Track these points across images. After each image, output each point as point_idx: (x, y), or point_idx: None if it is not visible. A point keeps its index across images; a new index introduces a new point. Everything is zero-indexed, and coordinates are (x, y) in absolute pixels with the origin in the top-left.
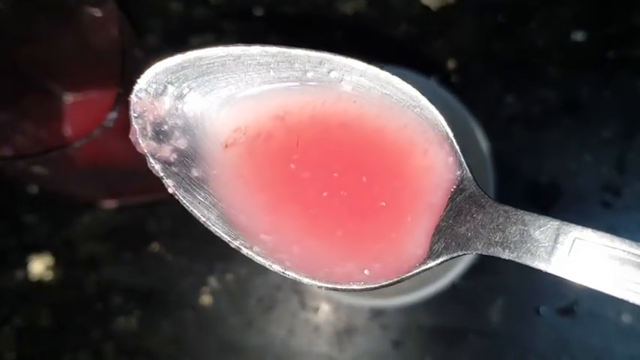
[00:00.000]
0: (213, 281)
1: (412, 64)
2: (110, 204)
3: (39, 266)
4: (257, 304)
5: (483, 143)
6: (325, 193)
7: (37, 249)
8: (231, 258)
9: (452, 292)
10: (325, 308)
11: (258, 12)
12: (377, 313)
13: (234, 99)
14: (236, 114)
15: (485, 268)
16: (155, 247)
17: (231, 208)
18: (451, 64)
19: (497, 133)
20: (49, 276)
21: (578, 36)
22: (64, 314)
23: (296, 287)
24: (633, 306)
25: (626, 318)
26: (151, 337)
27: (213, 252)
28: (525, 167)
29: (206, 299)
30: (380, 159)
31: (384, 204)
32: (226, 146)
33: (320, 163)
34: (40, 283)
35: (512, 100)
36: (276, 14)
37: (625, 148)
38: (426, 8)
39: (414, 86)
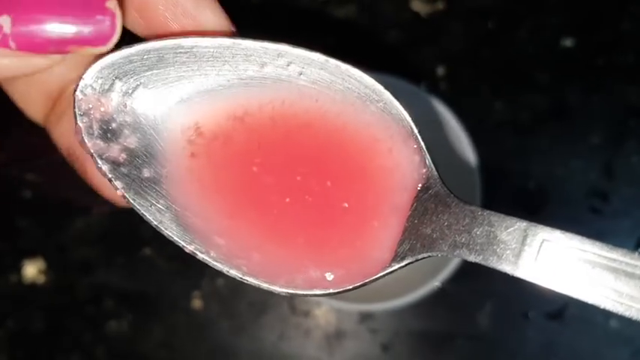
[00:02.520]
0: (204, 285)
1: (401, 70)
2: (102, 209)
3: (32, 270)
4: (248, 308)
5: (471, 149)
6: (288, 199)
7: (30, 253)
8: None
9: (441, 296)
10: (315, 312)
11: (247, 19)
12: (366, 317)
13: (187, 95)
14: (191, 112)
15: (474, 272)
16: (147, 251)
17: (185, 211)
18: (440, 71)
19: (485, 139)
20: (41, 280)
21: (567, 42)
22: (57, 318)
23: None
24: None
25: (614, 323)
26: (142, 341)
27: None
28: (513, 173)
29: (197, 303)
30: (344, 160)
31: (348, 208)
32: (182, 147)
33: (283, 166)
34: (32, 287)
35: (501, 106)
36: (265, 20)
37: (613, 154)
38: (416, 15)
39: (377, 80)
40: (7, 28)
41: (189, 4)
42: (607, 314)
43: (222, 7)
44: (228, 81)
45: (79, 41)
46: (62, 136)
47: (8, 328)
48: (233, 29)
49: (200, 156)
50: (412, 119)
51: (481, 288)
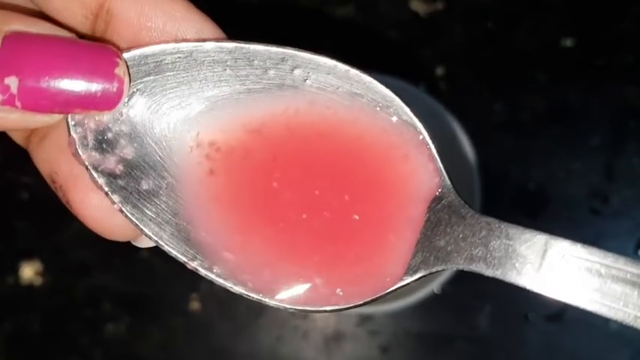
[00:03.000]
0: (202, 287)
1: (400, 70)
2: None
3: (29, 272)
4: (246, 310)
5: (471, 151)
6: (305, 215)
7: (27, 255)
8: None
9: (440, 298)
10: (314, 314)
11: (246, 19)
12: (365, 319)
13: (189, 104)
14: (203, 126)
15: (473, 274)
16: (145, 253)
17: (190, 225)
18: (440, 71)
19: (485, 140)
20: (38, 282)
21: (567, 42)
22: (54, 320)
23: None
24: None
25: (614, 325)
26: (140, 343)
27: None
28: (513, 175)
29: (195, 305)
30: (361, 170)
31: (365, 222)
32: (198, 162)
33: (301, 180)
34: (30, 289)
35: (501, 107)
36: (263, 20)
37: (613, 155)
38: (415, 14)
39: (387, 86)
40: (14, 89)
41: (176, 26)
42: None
43: (217, 13)
44: (231, 88)
45: (85, 105)
46: (44, 161)
47: (5, 330)
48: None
49: (218, 172)
50: (424, 125)
51: (480, 290)
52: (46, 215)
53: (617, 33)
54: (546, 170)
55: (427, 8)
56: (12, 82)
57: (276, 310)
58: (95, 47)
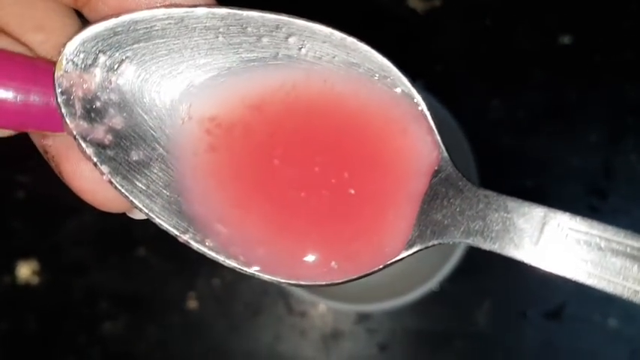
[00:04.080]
0: (199, 286)
1: (398, 67)
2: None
3: (25, 271)
4: (243, 308)
5: (468, 148)
6: (304, 193)
7: (24, 254)
8: (218, 262)
9: (438, 296)
10: (312, 313)
11: None
12: (363, 318)
13: (180, 72)
14: (192, 94)
15: (472, 270)
16: (141, 251)
17: (181, 197)
18: (437, 68)
19: (483, 137)
20: (35, 281)
21: (565, 39)
22: (51, 319)
23: (282, 292)
24: (619, 309)
25: (612, 322)
26: (137, 341)
27: (199, 256)
28: (511, 172)
29: (192, 304)
30: (361, 146)
31: (364, 200)
32: (199, 138)
33: (301, 157)
34: (26, 288)
35: (499, 105)
36: None
37: (611, 152)
38: (413, 11)
39: (382, 54)
40: None
41: None
42: (605, 313)
43: None
44: (224, 56)
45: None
46: (36, 132)
47: (2, 329)
48: None
49: (219, 148)
50: (421, 96)
51: (479, 287)
52: (42, 214)
53: (615, 30)
54: (544, 167)
55: (425, 5)
56: None
57: (273, 308)
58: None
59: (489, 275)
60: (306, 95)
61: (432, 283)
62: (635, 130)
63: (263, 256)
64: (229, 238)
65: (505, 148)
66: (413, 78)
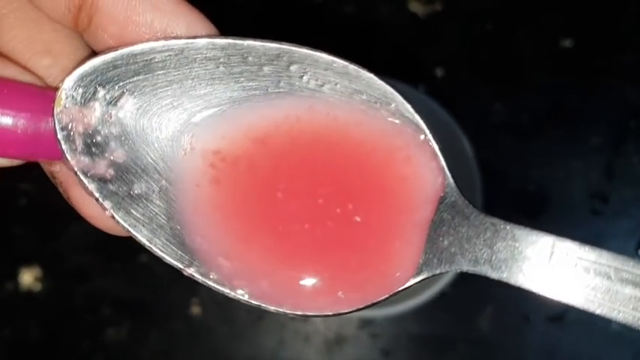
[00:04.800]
0: (202, 291)
1: (399, 72)
2: None
3: (28, 278)
4: (246, 314)
5: (470, 152)
6: (307, 225)
7: (26, 261)
8: None
9: (441, 301)
10: (315, 318)
11: (243, 19)
12: (366, 323)
13: (180, 103)
14: (194, 126)
15: (475, 275)
16: (144, 257)
17: (184, 229)
18: (439, 73)
19: (485, 141)
20: (38, 287)
21: (566, 43)
22: (54, 326)
23: None
24: None
25: (615, 326)
26: (140, 347)
27: None
28: (513, 175)
29: (196, 310)
30: (364, 176)
31: (370, 230)
32: (203, 172)
33: (305, 190)
34: (29, 295)
35: (500, 108)
36: (261, 21)
37: (613, 155)
38: (414, 16)
39: (386, 82)
40: None
41: (165, 20)
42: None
43: (210, 13)
44: (225, 86)
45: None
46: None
47: (5, 336)
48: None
49: (223, 181)
50: (425, 123)
51: (481, 292)
52: (44, 221)
53: (616, 33)
54: (546, 171)
55: (426, 9)
56: None
57: (276, 314)
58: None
59: (492, 280)
60: (309, 127)
61: (435, 290)
62: (637, 133)
63: (267, 289)
64: (233, 272)
65: (507, 151)
66: (415, 82)
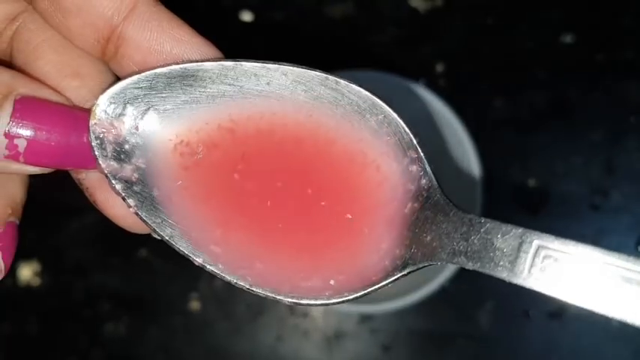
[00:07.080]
0: (201, 287)
1: (400, 67)
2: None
3: (27, 272)
4: (246, 309)
5: (471, 147)
6: (269, 203)
7: (25, 255)
8: None
9: (441, 296)
10: (314, 313)
11: (246, 17)
12: (366, 318)
13: (193, 113)
14: (176, 125)
15: (474, 271)
16: (143, 253)
17: (180, 224)
18: (439, 68)
19: (485, 136)
20: (36, 282)
21: (567, 38)
22: (52, 321)
23: None
24: None
25: (614, 321)
26: (139, 343)
27: None
28: (514, 170)
29: (195, 305)
30: (330, 171)
31: (335, 215)
32: (178, 162)
33: (263, 173)
34: (27, 290)
35: (501, 103)
36: (263, 19)
37: (614, 151)
38: (415, 11)
39: (373, 93)
40: (21, 148)
41: (182, 48)
42: None
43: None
44: (233, 101)
45: (77, 164)
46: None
47: (3, 331)
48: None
49: (190, 168)
50: (411, 131)
51: (481, 287)
52: (43, 216)
53: (617, 28)
54: (546, 166)
55: (426, 5)
56: (20, 142)
57: (275, 309)
58: (84, 115)
59: (492, 276)
60: (282, 122)
61: (435, 285)
62: (637, 129)
63: (263, 271)
64: (229, 259)
65: (508, 146)
66: (416, 77)
